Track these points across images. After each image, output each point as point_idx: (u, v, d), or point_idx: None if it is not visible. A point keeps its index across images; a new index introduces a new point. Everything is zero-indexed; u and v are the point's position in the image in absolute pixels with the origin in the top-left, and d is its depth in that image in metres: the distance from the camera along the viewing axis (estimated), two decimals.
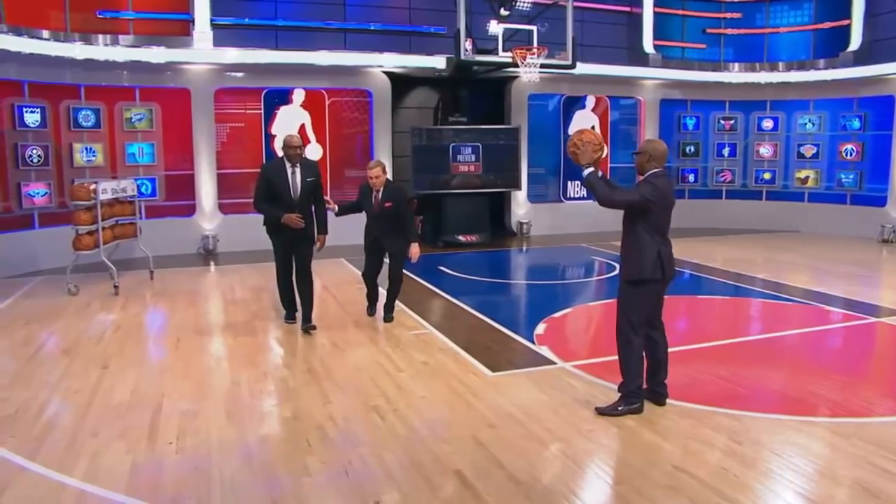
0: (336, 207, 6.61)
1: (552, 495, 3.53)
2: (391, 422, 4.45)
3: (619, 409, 4.48)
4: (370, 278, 6.98)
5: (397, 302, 7.09)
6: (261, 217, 6.51)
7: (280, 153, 6.52)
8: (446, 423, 4.48)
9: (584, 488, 3.66)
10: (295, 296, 6.74)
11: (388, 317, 6.97)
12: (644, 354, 4.56)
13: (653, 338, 4.59)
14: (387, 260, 6.86)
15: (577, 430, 4.29)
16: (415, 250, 6.60)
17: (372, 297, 7.15)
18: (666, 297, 4.66)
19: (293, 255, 6.53)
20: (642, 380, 4.54)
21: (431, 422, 4.47)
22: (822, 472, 3.77)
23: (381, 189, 6.52)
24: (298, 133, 11.28)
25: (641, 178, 4.49)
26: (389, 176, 6.85)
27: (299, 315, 6.71)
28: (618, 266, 4.73)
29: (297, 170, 6.38)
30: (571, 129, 13.98)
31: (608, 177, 4.63)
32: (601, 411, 4.51)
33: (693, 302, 8.08)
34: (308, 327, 6.55)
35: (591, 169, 4.42)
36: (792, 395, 4.98)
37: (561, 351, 5.90)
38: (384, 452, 4.01)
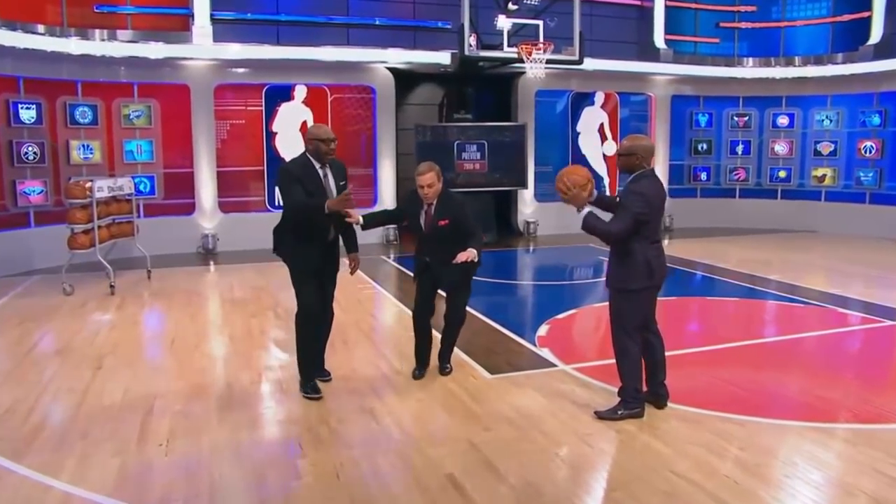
0: (361, 219, 4.81)
1: (546, 500, 3.41)
2: (386, 424, 4.38)
3: (619, 413, 4.37)
4: (421, 322, 5.18)
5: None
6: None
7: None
8: (442, 425, 4.40)
9: (578, 493, 3.55)
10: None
11: (445, 367, 5.29)
12: (642, 357, 4.44)
13: (649, 340, 4.47)
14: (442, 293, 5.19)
15: (576, 434, 4.18)
16: (464, 255, 4.78)
17: (421, 353, 5.23)
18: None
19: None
20: (641, 383, 4.42)
21: (427, 425, 4.42)
22: (828, 480, 3.62)
23: (435, 202, 4.90)
24: (300, 131, 11.05)
25: (630, 179, 4.36)
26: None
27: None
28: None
29: (329, 171, 4.77)
30: (580, 127, 13.72)
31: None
32: (601, 415, 4.40)
33: (704, 303, 7.79)
34: (323, 378, 5.09)
35: (587, 210, 4.27)
36: (800, 401, 4.80)
37: (562, 353, 5.74)
38: (377, 455, 3.94)
